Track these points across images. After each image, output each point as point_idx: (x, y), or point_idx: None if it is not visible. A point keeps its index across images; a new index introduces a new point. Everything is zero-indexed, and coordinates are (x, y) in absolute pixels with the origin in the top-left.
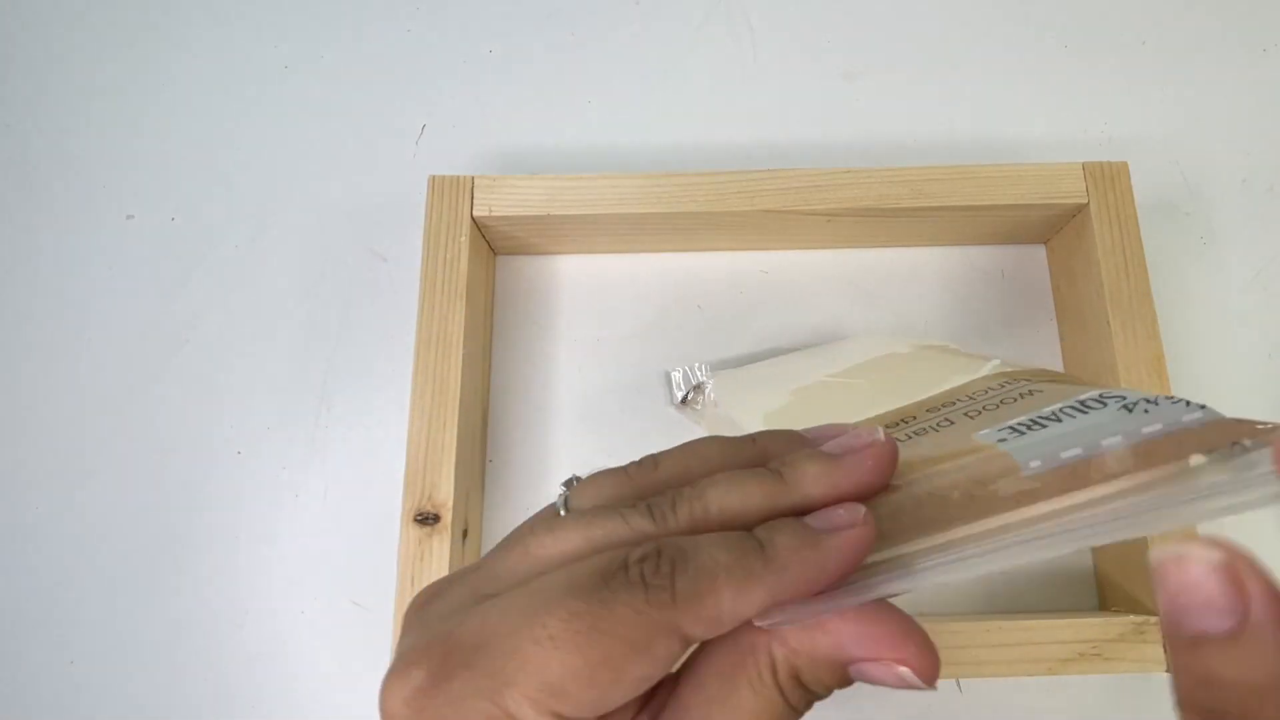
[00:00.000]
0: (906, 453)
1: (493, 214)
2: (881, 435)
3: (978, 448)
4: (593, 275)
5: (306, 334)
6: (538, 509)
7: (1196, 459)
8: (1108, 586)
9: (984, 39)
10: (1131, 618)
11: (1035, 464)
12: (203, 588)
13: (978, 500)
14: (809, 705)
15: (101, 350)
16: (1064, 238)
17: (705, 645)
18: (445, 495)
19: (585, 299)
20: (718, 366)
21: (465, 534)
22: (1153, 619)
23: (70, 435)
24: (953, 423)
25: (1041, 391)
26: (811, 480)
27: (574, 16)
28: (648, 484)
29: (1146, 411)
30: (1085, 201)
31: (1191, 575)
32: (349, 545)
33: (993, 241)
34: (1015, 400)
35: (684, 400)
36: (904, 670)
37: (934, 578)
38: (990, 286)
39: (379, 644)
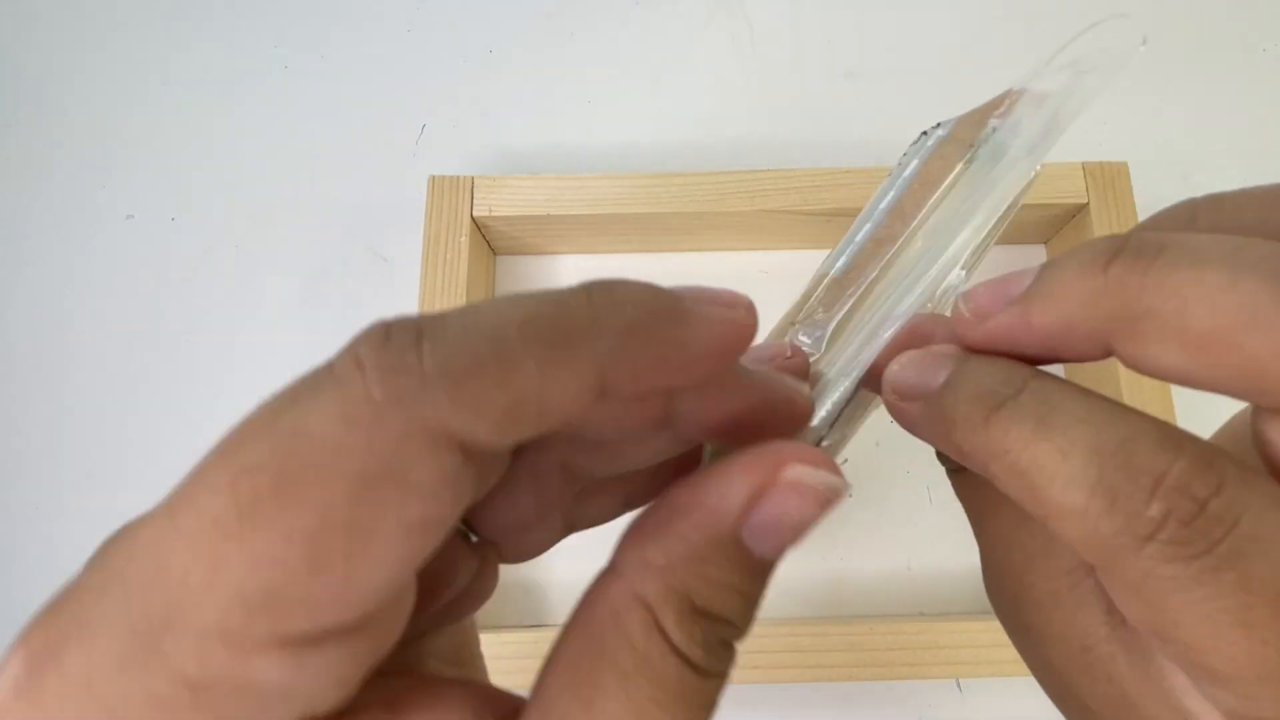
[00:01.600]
0: None
1: (493, 214)
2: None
3: None
4: (593, 275)
5: (307, 334)
6: None
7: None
8: None
9: (984, 38)
10: None
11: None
12: None
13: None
14: (720, 655)
15: (102, 350)
16: (1064, 238)
17: (564, 630)
18: None
19: None
20: None
21: None
22: None
23: (70, 435)
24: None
25: None
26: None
27: (574, 16)
28: None
29: (901, 166)
30: (1085, 201)
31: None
32: None
33: None
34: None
35: None
36: (799, 471)
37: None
38: None
39: None
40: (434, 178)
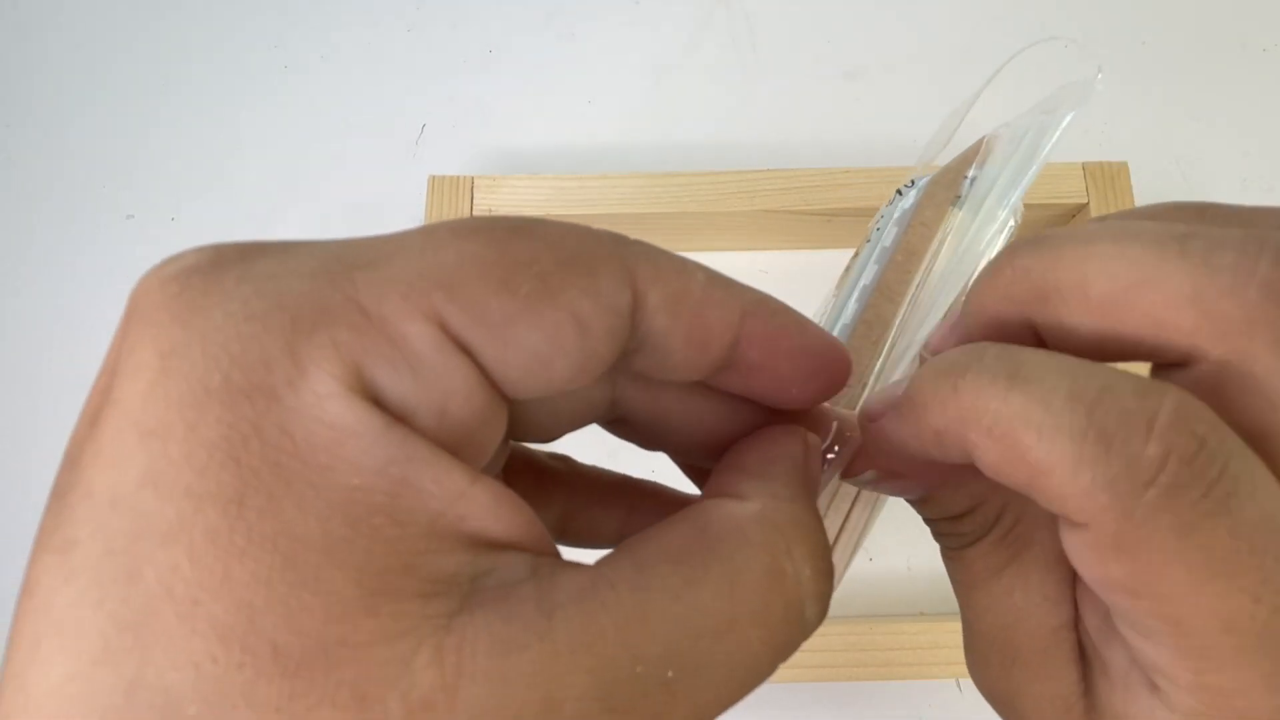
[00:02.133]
0: None
1: (493, 214)
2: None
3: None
4: None
5: None
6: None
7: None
8: None
9: (984, 38)
10: None
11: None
12: None
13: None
14: (815, 609)
15: (102, 351)
16: None
17: (669, 525)
18: None
19: None
20: None
21: None
22: None
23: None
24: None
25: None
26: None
27: (574, 16)
28: None
29: (880, 230)
30: (1085, 201)
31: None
32: None
33: None
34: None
35: None
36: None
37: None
38: None
39: None
40: (434, 178)
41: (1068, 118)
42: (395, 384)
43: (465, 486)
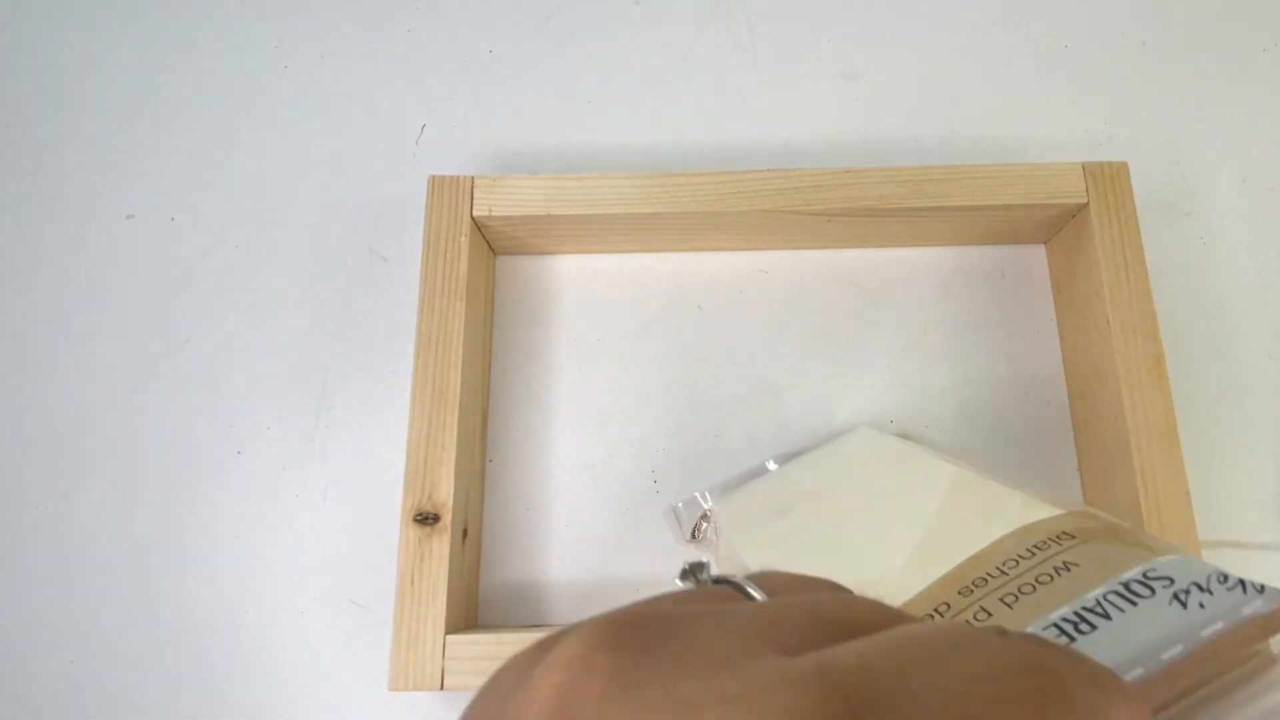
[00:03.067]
0: None
1: (493, 214)
2: None
3: None
4: (593, 275)
5: (306, 334)
6: (537, 509)
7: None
8: None
9: (984, 38)
10: None
11: None
12: (202, 587)
13: None
14: None
15: (102, 350)
16: (1064, 238)
17: None
18: (445, 495)
19: (585, 299)
20: (720, 490)
21: (465, 534)
22: None
23: (70, 435)
24: (990, 613)
25: (1078, 565)
26: None
27: (574, 16)
28: None
29: (1202, 605)
30: (1085, 201)
31: None
32: (349, 545)
33: (993, 241)
34: (1051, 578)
35: (693, 535)
36: None
37: None
38: (990, 286)
39: (379, 644)
40: (434, 178)
41: None
42: None
43: None
